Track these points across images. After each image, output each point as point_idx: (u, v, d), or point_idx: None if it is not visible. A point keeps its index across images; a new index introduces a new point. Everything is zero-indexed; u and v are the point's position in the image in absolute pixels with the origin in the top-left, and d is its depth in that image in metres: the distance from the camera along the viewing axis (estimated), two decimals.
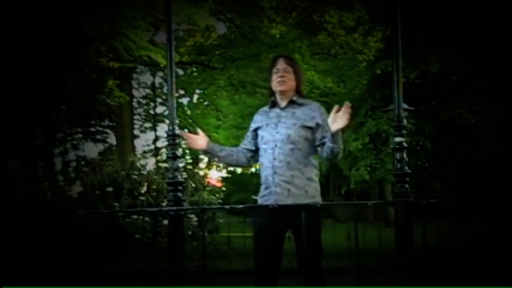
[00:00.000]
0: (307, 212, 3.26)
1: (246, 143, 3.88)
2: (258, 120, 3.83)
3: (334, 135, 3.48)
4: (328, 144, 3.54)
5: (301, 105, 3.71)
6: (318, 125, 3.64)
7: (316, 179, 3.71)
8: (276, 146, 3.63)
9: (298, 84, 3.75)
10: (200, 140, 3.82)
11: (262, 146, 3.73)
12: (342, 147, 3.56)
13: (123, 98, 14.79)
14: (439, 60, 10.36)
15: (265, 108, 3.84)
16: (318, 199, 3.67)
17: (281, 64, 3.73)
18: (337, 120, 3.43)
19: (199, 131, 3.87)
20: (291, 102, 3.72)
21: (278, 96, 3.75)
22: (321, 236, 3.61)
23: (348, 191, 19.37)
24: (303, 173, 3.62)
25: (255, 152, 3.85)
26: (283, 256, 3.72)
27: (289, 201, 3.56)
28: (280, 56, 3.86)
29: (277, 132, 3.64)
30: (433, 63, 10.28)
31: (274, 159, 3.62)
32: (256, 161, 3.87)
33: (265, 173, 3.66)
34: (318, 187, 3.70)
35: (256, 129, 3.80)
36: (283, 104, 3.73)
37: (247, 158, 3.87)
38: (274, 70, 3.74)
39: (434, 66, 10.24)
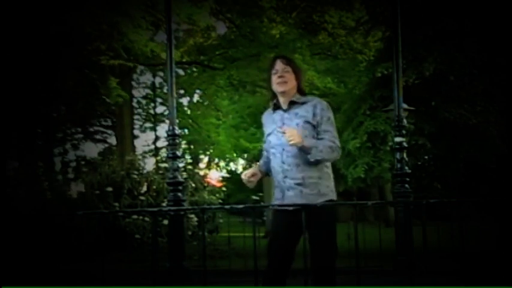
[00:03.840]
0: (319, 212, 3.32)
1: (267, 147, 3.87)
2: (266, 125, 3.83)
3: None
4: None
5: (303, 103, 3.69)
6: (318, 122, 3.63)
7: (329, 176, 3.68)
8: (283, 149, 3.62)
9: (299, 82, 3.75)
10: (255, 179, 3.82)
11: (271, 150, 3.73)
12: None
13: (122, 98, 14.73)
14: (436, 60, 10.33)
15: (270, 111, 3.84)
16: (331, 196, 3.64)
17: (279, 65, 3.72)
18: None
19: (251, 171, 3.80)
20: (292, 103, 3.70)
21: (280, 98, 3.75)
22: (335, 235, 3.60)
23: (346, 190, 19.36)
24: (313, 173, 3.60)
25: None
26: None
27: (302, 202, 3.53)
28: (278, 56, 3.84)
29: (283, 136, 3.60)
30: (429, 63, 10.25)
31: (283, 162, 3.62)
32: None
33: (277, 178, 3.68)
34: (331, 184, 3.67)
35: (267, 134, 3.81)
36: (285, 105, 3.73)
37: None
38: (273, 71, 3.73)
39: (429, 67, 10.22)
